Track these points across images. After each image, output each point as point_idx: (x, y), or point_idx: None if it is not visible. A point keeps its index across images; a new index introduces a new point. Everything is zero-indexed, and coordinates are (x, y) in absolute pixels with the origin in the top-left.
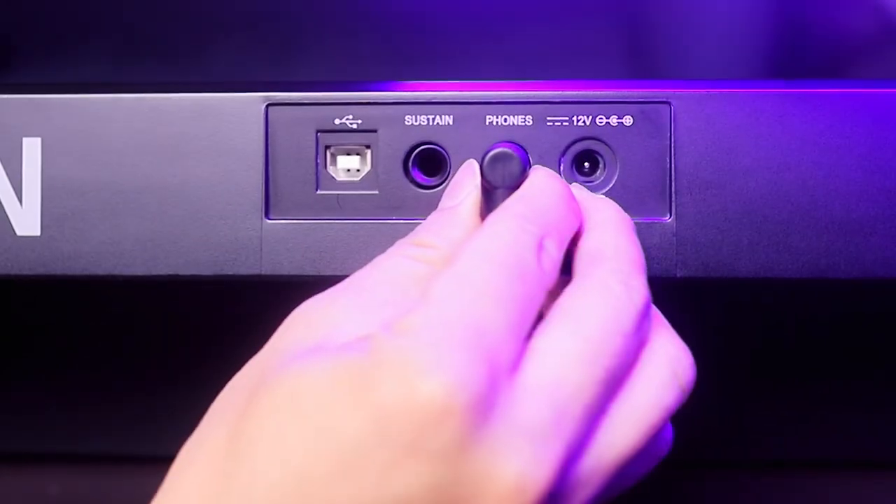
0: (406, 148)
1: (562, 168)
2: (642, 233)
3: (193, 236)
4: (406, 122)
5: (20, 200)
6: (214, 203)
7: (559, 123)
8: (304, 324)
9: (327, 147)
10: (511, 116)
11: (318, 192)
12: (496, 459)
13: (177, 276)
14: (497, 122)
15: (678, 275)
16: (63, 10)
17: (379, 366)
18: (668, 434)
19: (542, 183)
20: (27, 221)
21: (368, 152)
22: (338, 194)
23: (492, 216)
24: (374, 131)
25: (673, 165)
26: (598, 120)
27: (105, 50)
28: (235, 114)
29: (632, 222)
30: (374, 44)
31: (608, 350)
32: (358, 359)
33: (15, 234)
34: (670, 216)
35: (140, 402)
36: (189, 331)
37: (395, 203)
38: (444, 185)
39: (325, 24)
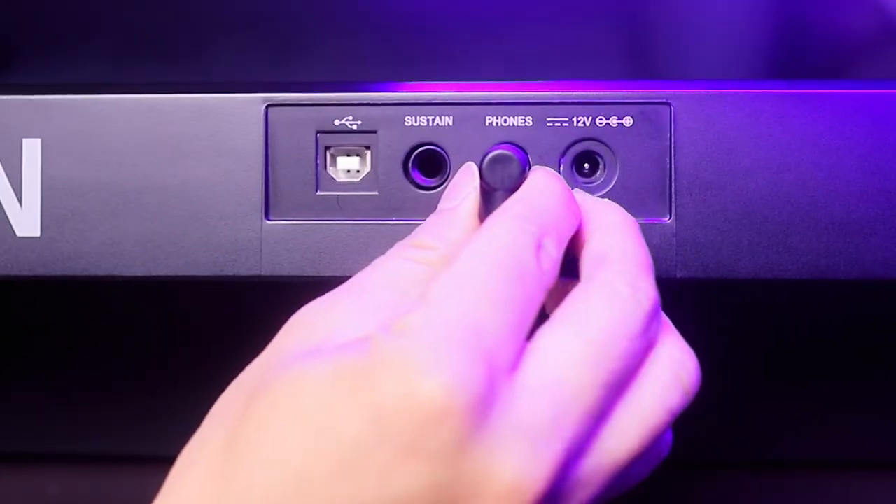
0: (406, 149)
1: (562, 169)
2: (642, 234)
3: (193, 237)
4: (406, 123)
5: (20, 201)
6: (214, 204)
7: (559, 124)
8: (303, 327)
9: (327, 148)
10: (511, 117)
11: (318, 192)
12: (494, 458)
13: (177, 276)
14: (497, 123)
15: (678, 276)
16: (63, 10)
17: (378, 366)
18: (669, 436)
19: (541, 183)
20: (27, 222)
21: (368, 153)
22: (338, 195)
23: (490, 218)
24: (374, 132)
25: (673, 166)
26: (597, 120)
27: (105, 50)
28: (235, 114)
29: (637, 224)
30: (374, 44)
31: (612, 353)
32: (357, 359)
33: (15, 234)
34: (670, 217)
35: (140, 402)
36: (189, 331)
37: (395, 204)
38: (443, 185)
39: (325, 24)
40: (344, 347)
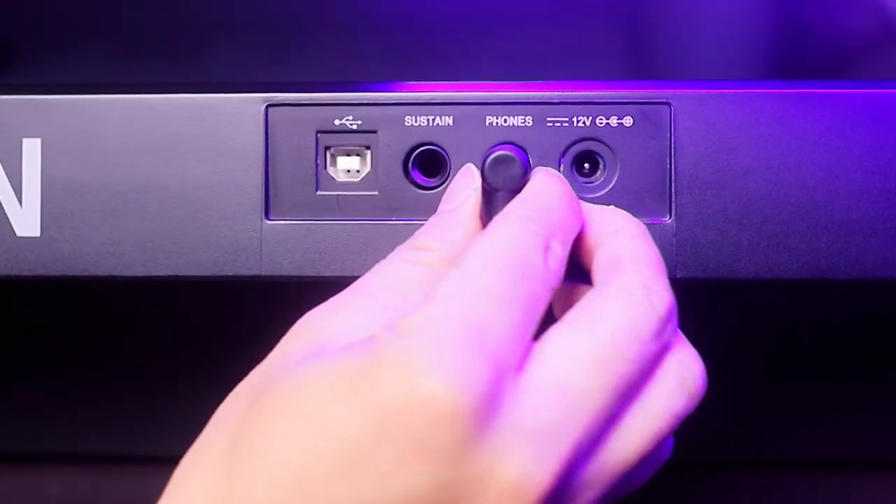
0: (406, 149)
1: (562, 169)
2: None
3: (193, 237)
4: (406, 123)
5: (20, 201)
6: (214, 203)
7: (559, 124)
8: (307, 331)
9: (327, 148)
10: (511, 117)
11: (318, 192)
12: (498, 459)
13: (177, 276)
14: (497, 123)
15: (678, 276)
16: (63, 10)
17: (380, 365)
18: (670, 439)
19: (543, 183)
20: (27, 222)
21: (368, 153)
22: (338, 195)
23: (495, 220)
24: (374, 132)
25: (673, 166)
26: (598, 121)
27: (105, 50)
28: (235, 114)
29: (646, 228)
30: (374, 44)
31: (623, 356)
32: (359, 359)
33: (15, 234)
34: (670, 217)
35: (140, 402)
36: (189, 331)
37: (395, 204)
38: (443, 185)
39: (325, 24)
40: (348, 348)
